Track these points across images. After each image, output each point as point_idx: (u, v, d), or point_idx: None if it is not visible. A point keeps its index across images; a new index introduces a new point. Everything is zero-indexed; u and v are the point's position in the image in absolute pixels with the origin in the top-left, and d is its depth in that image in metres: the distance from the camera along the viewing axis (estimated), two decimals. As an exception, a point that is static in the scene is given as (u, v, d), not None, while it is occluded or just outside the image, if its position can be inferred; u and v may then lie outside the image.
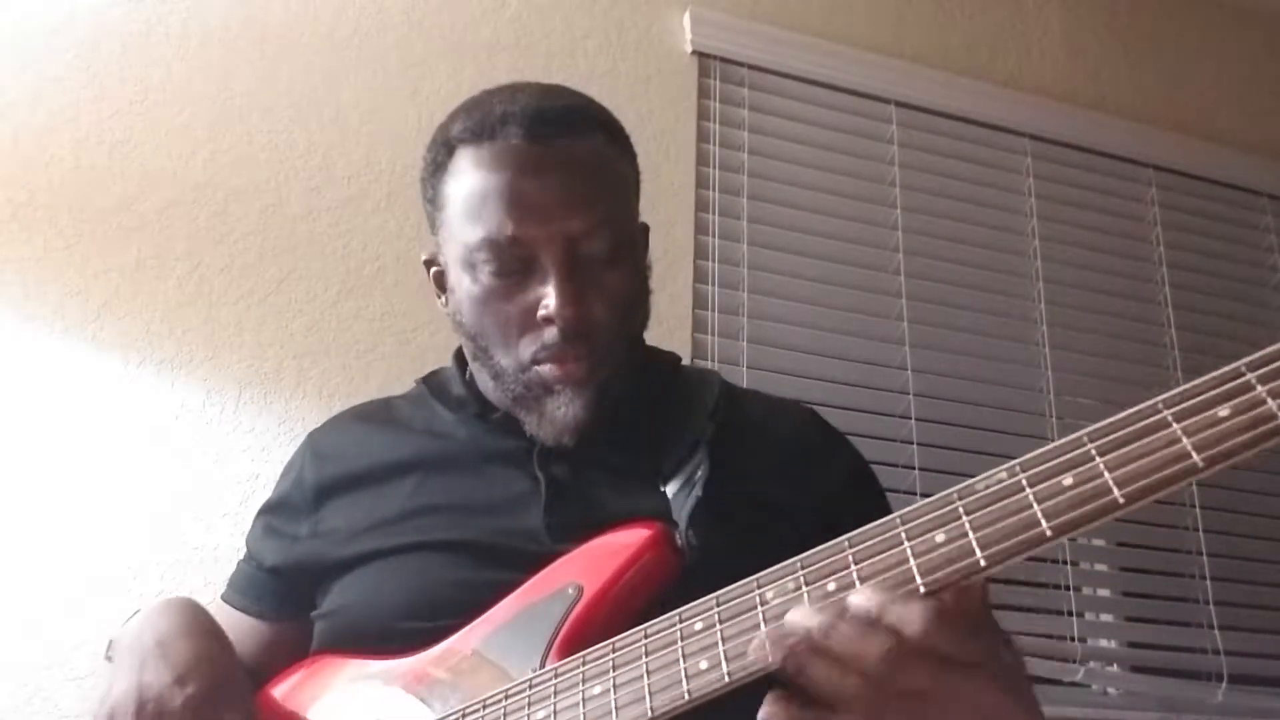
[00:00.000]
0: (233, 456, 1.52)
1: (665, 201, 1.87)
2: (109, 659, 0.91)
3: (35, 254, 1.53)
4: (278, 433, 1.55)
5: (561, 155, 0.89)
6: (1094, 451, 0.59)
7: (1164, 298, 2.19)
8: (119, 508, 1.45)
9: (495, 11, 1.90)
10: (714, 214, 1.91)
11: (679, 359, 1.08)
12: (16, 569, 1.39)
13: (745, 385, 1.79)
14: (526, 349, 0.89)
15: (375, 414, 1.07)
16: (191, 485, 1.49)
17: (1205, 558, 1.99)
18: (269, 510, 1.07)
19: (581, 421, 0.89)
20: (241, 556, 1.09)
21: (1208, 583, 1.97)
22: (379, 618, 0.89)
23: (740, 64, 2.02)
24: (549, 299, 0.87)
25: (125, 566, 1.42)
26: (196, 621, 0.89)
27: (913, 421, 1.90)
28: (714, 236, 1.89)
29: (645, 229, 1.03)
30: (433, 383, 1.04)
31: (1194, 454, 0.55)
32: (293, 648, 0.96)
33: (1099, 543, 2.01)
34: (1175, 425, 0.56)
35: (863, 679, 0.59)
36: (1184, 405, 0.57)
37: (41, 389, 1.47)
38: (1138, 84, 2.36)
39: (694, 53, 1.99)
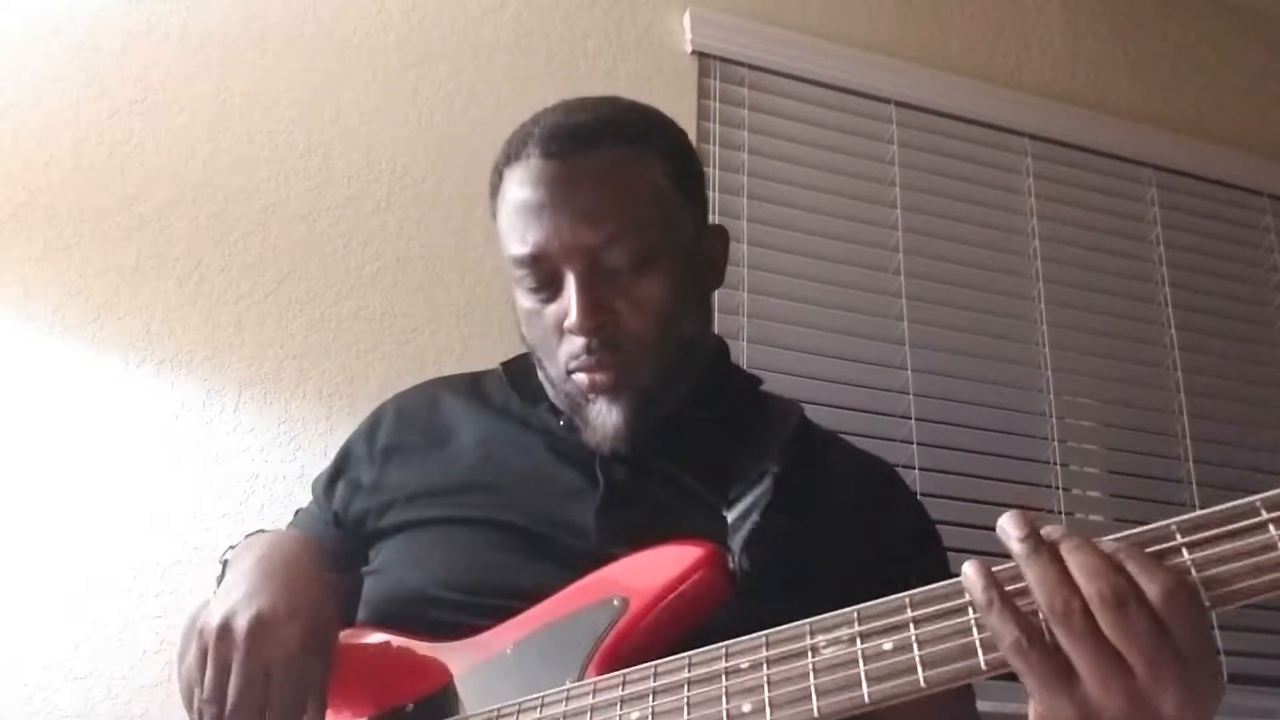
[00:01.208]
0: (233, 456, 1.52)
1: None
2: (223, 564, 0.94)
3: (35, 254, 1.53)
4: (278, 433, 1.55)
5: (575, 170, 0.91)
6: (1184, 547, 0.56)
7: (1164, 298, 2.19)
8: (119, 508, 1.45)
9: (495, 11, 1.90)
10: (714, 214, 1.90)
11: (760, 381, 1.08)
12: (16, 569, 1.39)
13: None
14: (562, 358, 0.92)
15: (461, 387, 1.10)
16: (191, 485, 1.49)
17: (1205, 558, 1.99)
18: (339, 456, 1.10)
19: (621, 429, 0.90)
20: (303, 506, 1.12)
21: (1208, 583, 1.97)
22: (421, 583, 0.91)
23: (740, 64, 2.02)
24: (570, 312, 0.89)
25: (125, 566, 1.42)
26: (318, 561, 0.92)
27: (913, 421, 1.90)
28: (714, 236, 1.89)
29: (718, 231, 1.03)
30: (512, 369, 1.06)
31: None
32: (344, 598, 0.97)
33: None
34: (1274, 530, 0.54)
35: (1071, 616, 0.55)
36: None
37: (41, 389, 1.47)
38: (1138, 84, 2.36)
39: (694, 53, 1.99)
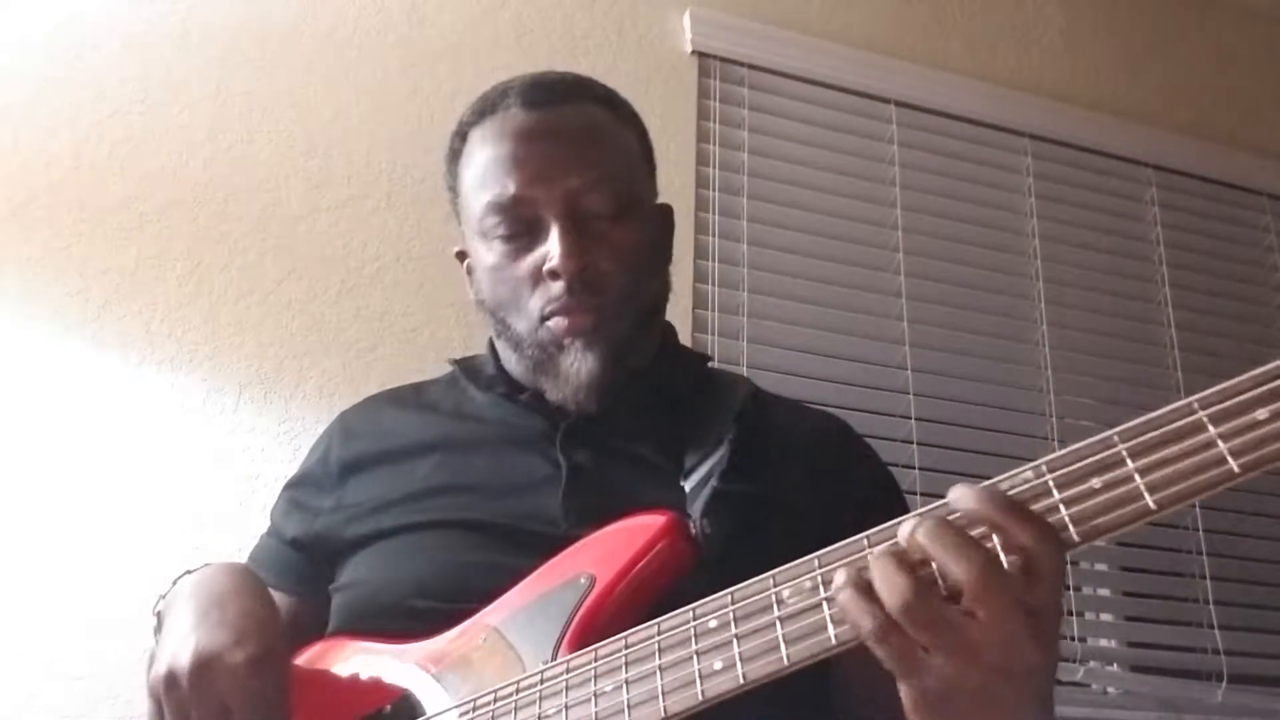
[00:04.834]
0: (233, 456, 1.52)
1: (665, 201, 1.87)
2: (157, 615, 0.92)
3: (35, 254, 1.53)
4: (278, 433, 1.55)
5: (559, 119, 0.94)
6: (1125, 453, 0.57)
7: (1164, 298, 2.19)
8: (118, 508, 1.45)
9: (495, 11, 1.90)
10: (714, 214, 1.91)
11: (709, 358, 1.10)
12: (16, 569, 1.39)
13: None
14: (536, 305, 0.92)
15: (407, 396, 1.09)
16: (191, 485, 1.49)
17: (1205, 558, 1.99)
18: (294, 485, 1.08)
19: (595, 377, 0.90)
20: (265, 530, 1.10)
21: (1208, 583, 1.97)
22: (393, 593, 0.90)
23: (740, 64, 2.02)
24: (553, 252, 0.90)
25: (125, 567, 1.42)
26: (250, 585, 0.90)
27: (913, 421, 1.90)
28: (714, 236, 1.89)
29: (667, 210, 1.07)
30: (465, 364, 1.07)
31: (1230, 459, 0.54)
32: (310, 623, 0.97)
33: (1099, 542, 2.01)
34: (1212, 429, 0.55)
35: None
36: (1221, 407, 0.55)
37: (41, 389, 1.47)
38: (1138, 84, 2.36)
39: (694, 53, 1.99)
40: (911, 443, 1.88)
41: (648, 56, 1.96)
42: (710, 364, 1.10)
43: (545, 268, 0.90)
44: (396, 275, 1.69)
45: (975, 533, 0.59)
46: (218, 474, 1.50)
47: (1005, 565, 0.58)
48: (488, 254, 0.95)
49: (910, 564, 0.59)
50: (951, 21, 2.24)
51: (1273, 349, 2.25)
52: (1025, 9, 2.32)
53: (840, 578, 0.60)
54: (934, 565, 0.59)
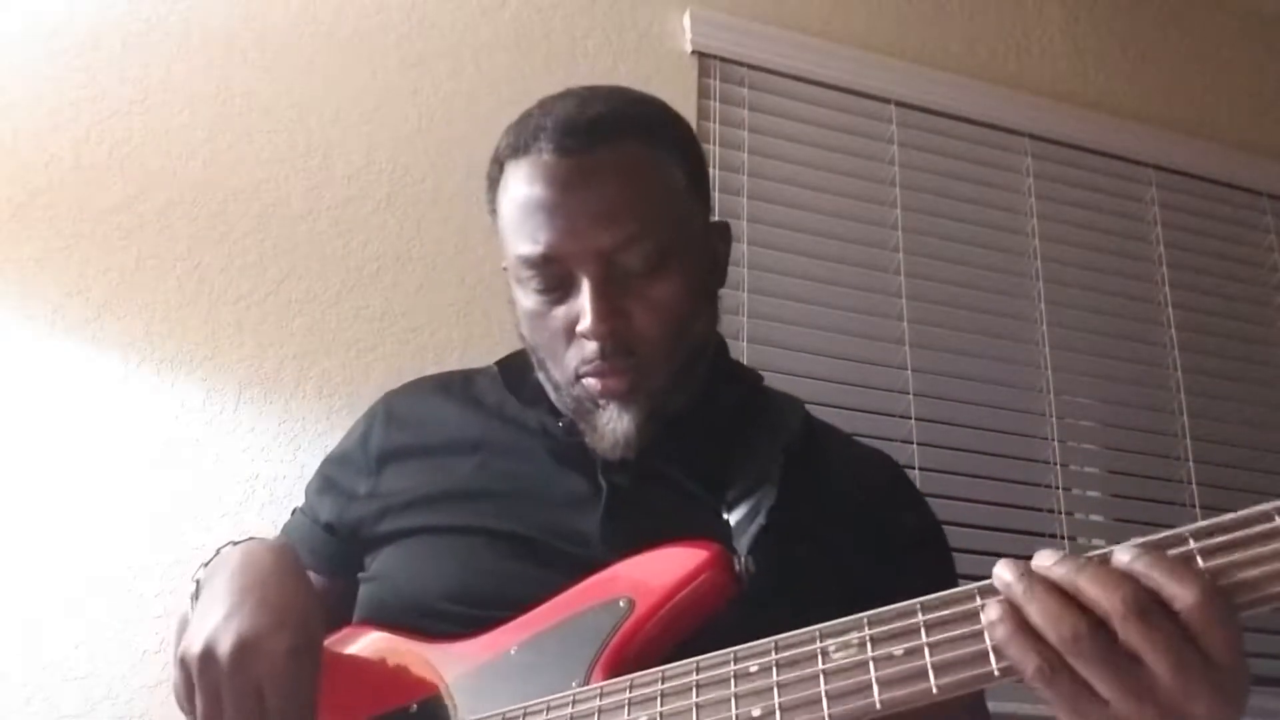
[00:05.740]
0: (233, 456, 1.52)
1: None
2: (196, 583, 0.91)
3: (35, 254, 1.53)
4: (278, 433, 1.55)
5: (591, 169, 0.88)
6: (1197, 553, 0.57)
7: (1164, 298, 2.19)
8: (118, 508, 1.45)
9: (495, 11, 1.90)
10: (714, 214, 1.90)
11: (761, 378, 1.06)
12: (16, 569, 1.39)
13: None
14: (571, 362, 0.90)
15: (455, 387, 1.07)
16: (191, 485, 1.49)
17: (1205, 558, 1.99)
18: (331, 462, 1.08)
19: (632, 436, 0.88)
20: (300, 506, 1.10)
21: (1208, 583, 1.97)
22: (422, 593, 0.89)
23: (740, 64, 2.02)
24: (584, 316, 0.87)
25: (125, 566, 1.42)
26: (294, 568, 0.89)
27: (913, 421, 1.90)
28: (714, 236, 1.89)
29: (720, 227, 1.03)
30: (508, 371, 1.03)
31: None
32: (338, 604, 0.96)
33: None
34: None
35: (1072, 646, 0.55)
36: None
37: (41, 389, 1.47)
38: (1138, 84, 2.36)
39: (694, 53, 1.99)
40: (911, 443, 1.88)
41: (648, 56, 1.96)
42: (763, 383, 1.06)
43: (578, 329, 0.87)
44: (396, 275, 1.69)
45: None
46: (218, 474, 1.50)
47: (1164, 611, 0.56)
48: (524, 299, 0.92)
49: (1073, 602, 0.57)
50: (951, 22, 2.24)
51: (1273, 349, 2.25)
52: (1025, 9, 2.32)
53: (994, 613, 0.58)
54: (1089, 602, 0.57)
